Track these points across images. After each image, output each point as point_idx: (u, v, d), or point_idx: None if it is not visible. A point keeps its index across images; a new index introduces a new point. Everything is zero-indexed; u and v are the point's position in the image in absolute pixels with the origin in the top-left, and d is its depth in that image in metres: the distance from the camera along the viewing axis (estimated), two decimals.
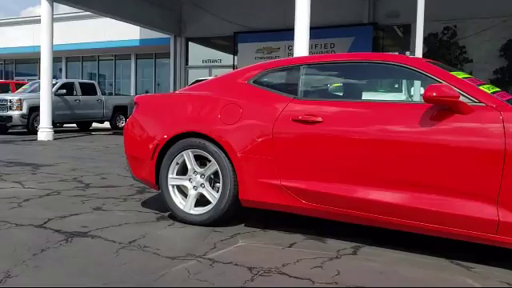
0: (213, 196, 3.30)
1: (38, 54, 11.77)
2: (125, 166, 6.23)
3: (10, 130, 13.22)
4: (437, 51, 12.35)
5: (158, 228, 3.30)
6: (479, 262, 2.69)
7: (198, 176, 3.37)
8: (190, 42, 17.29)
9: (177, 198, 3.44)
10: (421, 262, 2.69)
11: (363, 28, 13.79)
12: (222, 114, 3.28)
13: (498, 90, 2.90)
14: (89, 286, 2.24)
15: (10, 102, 12.58)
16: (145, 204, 4.09)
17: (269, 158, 3.07)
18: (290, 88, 3.28)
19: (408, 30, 13.18)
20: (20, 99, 12.72)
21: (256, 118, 3.17)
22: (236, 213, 3.36)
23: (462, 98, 2.59)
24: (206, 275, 2.38)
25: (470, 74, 10.18)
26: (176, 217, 3.45)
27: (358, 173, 2.81)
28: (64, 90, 13.49)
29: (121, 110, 15.69)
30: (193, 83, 10.64)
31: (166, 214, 3.66)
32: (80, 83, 14.74)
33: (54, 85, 12.57)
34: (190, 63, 17.38)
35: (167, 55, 17.82)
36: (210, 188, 3.34)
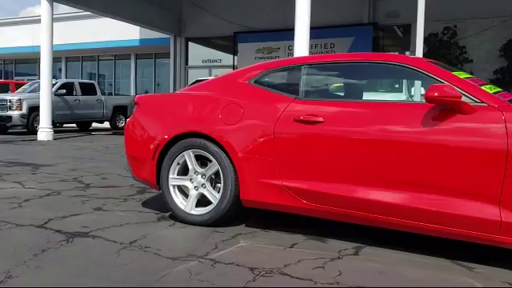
0: (214, 196, 3.29)
1: (38, 53, 11.77)
2: (125, 166, 6.22)
3: (9, 130, 13.20)
4: (437, 51, 12.35)
5: (158, 228, 3.29)
6: (480, 263, 2.68)
7: (199, 176, 3.36)
8: (189, 42, 17.29)
9: (178, 199, 3.44)
10: (422, 262, 2.69)
11: (363, 28, 13.79)
12: (223, 114, 3.27)
13: (499, 90, 2.89)
14: (90, 286, 2.24)
15: (10, 101, 12.57)
16: (145, 204, 4.09)
17: (270, 158, 3.06)
18: (291, 88, 3.28)
19: (408, 30, 13.18)
20: (20, 99, 12.71)
21: (257, 118, 3.17)
22: (237, 213, 3.35)
23: (463, 98, 2.58)
24: (208, 276, 2.38)
25: (471, 74, 10.18)
26: (177, 217, 3.44)
27: (360, 173, 2.80)
28: (64, 90, 13.48)
29: (121, 110, 15.68)
30: (193, 83, 10.63)
31: (167, 214, 3.66)
32: (80, 83, 14.73)
33: (53, 85, 12.56)
34: (190, 63, 17.38)
35: (167, 55, 17.82)
36: (211, 188, 3.34)
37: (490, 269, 2.59)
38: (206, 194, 3.34)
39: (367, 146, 2.77)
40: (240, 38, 15.71)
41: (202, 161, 3.38)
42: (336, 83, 3.58)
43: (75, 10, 16.24)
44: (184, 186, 3.43)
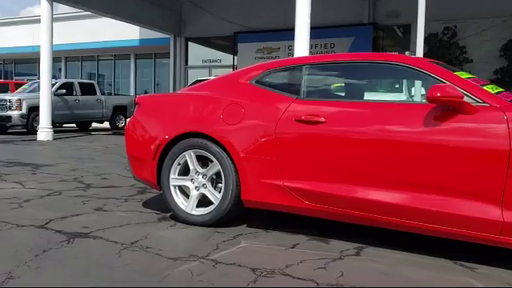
0: (215, 196, 3.29)
1: (38, 53, 11.75)
2: (125, 167, 6.22)
3: (9, 130, 13.19)
4: (437, 51, 12.35)
5: (159, 229, 3.29)
6: (483, 263, 2.68)
7: (200, 176, 3.36)
8: (189, 42, 17.28)
9: (179, 199, 3.43)
10: (424, 262, 2.68)
11: (363, 28, 13.79)
12: (224, 114, 3.26)
13: (501, 90, 2.89)
14: (92, 287, 2.23)
15: (10, 101, 12.55)
16: (146, 204, 4.08)
17: (271, 158, 3.06)
18: (292, 88, 3.27)
19: (408, 30, 13.18)
20: (19, 99, 12.70)
21: (258, 118, 3.16)
22: (238, 213, 3.34)
23: (465, 99, 2.58)
24: (210, 276, 2.37)
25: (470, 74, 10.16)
26: (178, 217, 3.44)
27: (362, 173, 2.79)
28: (63, 90, 13.47)
29: (120, 110, 15.67)
30: (193, 83, 10.62)
31: (168, 214, 3.65)
32: (79, 83, 14.72)
33: (53, 85, 12.55)
34: (190, 63, 17.37)
35: (167, 55, 17.81)
36: (212, 188, 3.33)
37: (491, 269, 2.59)
38: (207, 194, 3.33)
39: (369, 147, 2.77)
40: (240, 38, 15.70)
41: (203, 161, 3.37)
42: (337, 83, 3.57)
43: (75, 9, 16.23)
44: (185, 186, 3.43)
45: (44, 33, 11.29)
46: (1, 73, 25.02)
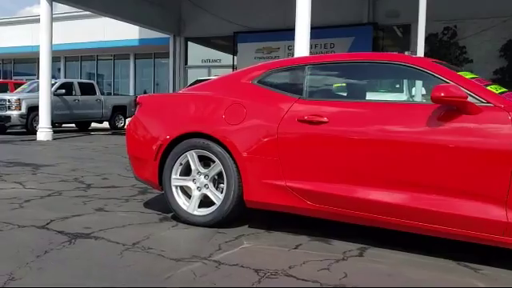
0: (217, 197, 3.27)
1: (37, 53, 11.73)
2: (125, 167, 6.21)
3: (8, 130, 13.17)
4: (437, 51, 12.34)
5: (161, 229, 3.27)
6: (486, 264, 2.66)
7: (202, 177, 3.34)
8: (189, 42, 17.26)
9: (180, 199, 3.41)
10: (427, 263, 2.67)
11: (363, 28, 13.78)
12: (226, 114, 3.25)
13: (505, 90, 2.88)
14: (94, 287, 2.22)
15: (9, 101, 12.53)
16: (147, 205, 4.06)
17: (274, 158, 3.04)
18: (294, 88, 3.26)
19: (408, 30, 13.19)
20: (19, 99, 12.68)
21: (261, 118, 3.14)
22: (240, 214, 3.33)
23: (469, 99, 2.57)
24: (213, 277, 2.36)
25: None
26: (179, 218, 3.42)
27: (365, 174, 2.78)
28: (63, 90, 13.44)
29: (120, 110, 15.65)
30: (193, 83, 10.61)
31: (169, 215, 3.63)
32: (79, 83, 14.70)
33: (52, 85, 12.52)
34: (190, 63, 17.35)
35: (166, 55, 17.79)
36: (213, 189, 3.32)
37: (497, 270, 2.57)
38: (209, 194, 3.31)
39: (374, 147, 2.75)
40: (240, 38, 15.69)
41: (205, 161, 3.35)
42: (340, 83, 3.56)
43: (74, 9, 16.21)
44: (187, 186, 3.41)
45: (43, 32, 11.26)
46: (0, 72, 24.97)
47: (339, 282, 2.33)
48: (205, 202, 3.36)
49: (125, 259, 2.62)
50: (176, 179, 3.40)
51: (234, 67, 15.47)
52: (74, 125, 15.23)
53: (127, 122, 15.30)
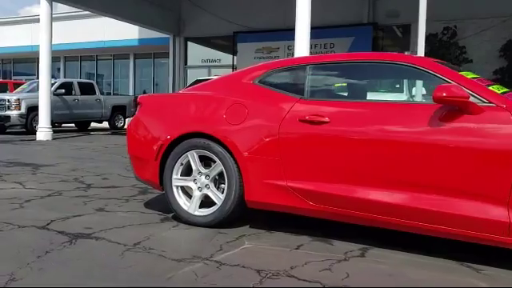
0: (218, 197, 3.26)
1: (36, 53, 11.72)
2: (125, 167, 6.21)
3: (8, 130, 13.16)
4: (437, 51, 12.33)
5: (162, 229, 3.26)
6: (489, 264, 2.66)
7: (203, 177, 3.33)
8: (189, 42, 17.24)
9: (181, 199, 3.41)
10: (429, 263, 2.67)
11: (363, 28, 13.77)
12: (227, 114, 3.24)
13: (507, 90, 2.88)
14: (96, 287, 2.22)
15: (9, 101, 12.52)
16: (148, 205, 4.05)
17: (275, 158, 3.04)
18: (296, 88, 3.25)
19: (408, 30, 13.19)
20: (18, 99, 12.67)
21: (262, 118, 3.14)
22: (241, 214, 3.32)
23: (471, 99, 2.56)
24: (214, 278, 2.35)
25: None
26: (180, 218, 3.41)
27: (366, 174, 2.77)
28: (63, 90, 13.44)
29: (119, 110, 15.64)
30: (192, 83, 10.60)
31: (170, 215, 3.63)
32: (79, 83, 14.69)
33: (52, 84, 12.51)
34: (189, 63, 17.33)
35: (166, 55, 17.77)
36: (214, 189, 3.31)
37: (498, 271, 2.57)
38: (210, 194, 3.31)
39: (374, 147, 2.75)
40: (239, 38, 15.67)
41: (206, 161, 3.35)
42: (342, 83, 3.55)
43: (74, 9, 16.19)
44: (187, 186, 3.40)
45: (43, 32, 11.25)
46: None
47: (341, 283, 2.32)
48: (206, 202, 3.35)
49: (126, 260, 2.61)
50: (177, 179, 3.40)
51: (233, 67, 15.46)
52: (73, 125, 15.22)
53: (127, 122, 15.35)
